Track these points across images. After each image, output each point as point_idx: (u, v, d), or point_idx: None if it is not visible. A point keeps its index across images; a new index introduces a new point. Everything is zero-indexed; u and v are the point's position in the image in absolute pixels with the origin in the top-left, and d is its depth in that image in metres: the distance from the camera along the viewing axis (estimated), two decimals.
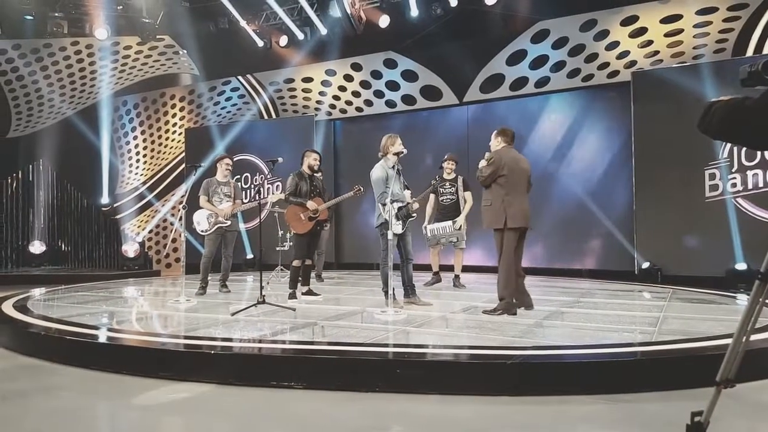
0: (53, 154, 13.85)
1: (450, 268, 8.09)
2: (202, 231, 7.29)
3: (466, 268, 8.88)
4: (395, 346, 4.37)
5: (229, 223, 7.34)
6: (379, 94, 11.21)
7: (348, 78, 11.29)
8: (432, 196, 7.73)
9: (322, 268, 8.96)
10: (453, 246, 7.73)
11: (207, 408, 3.51)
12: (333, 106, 11.80)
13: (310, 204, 6.46)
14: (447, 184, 7.72)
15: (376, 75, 11.02)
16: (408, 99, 11.00)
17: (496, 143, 5.58)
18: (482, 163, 5.48)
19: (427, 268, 8.23)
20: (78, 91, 13.02)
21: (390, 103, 11.21)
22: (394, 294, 5.66)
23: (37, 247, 13.48)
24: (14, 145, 13.79)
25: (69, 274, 11.84)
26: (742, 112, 2.05)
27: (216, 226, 7.26)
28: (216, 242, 7.33)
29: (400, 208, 5.70)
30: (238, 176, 11.79)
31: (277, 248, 8.76)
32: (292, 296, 6.44)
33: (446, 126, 11.00)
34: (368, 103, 11.43)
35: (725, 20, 8.34)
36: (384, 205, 5.58)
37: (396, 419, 3.30)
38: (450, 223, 7.55)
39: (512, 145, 5.57)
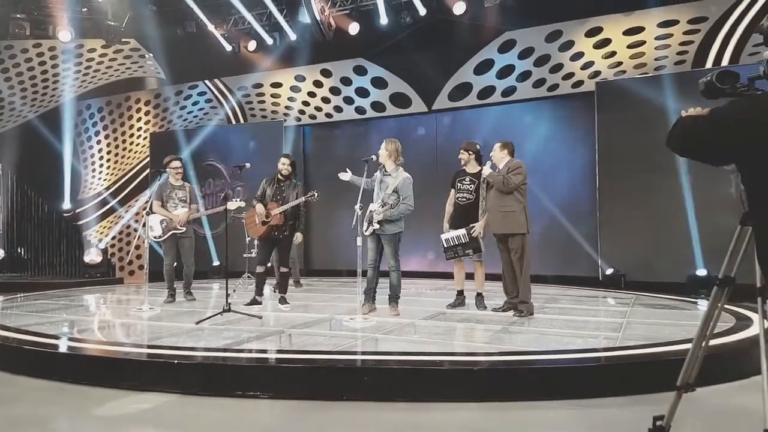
0: (13, 159, 13.46)
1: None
2: (155, 237, 7.06)
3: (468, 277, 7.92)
4: (363, 353, 4.36)
5: (183, 229, 7.08)
6: (348, 100, 11.20)
7: (317, 84, 11.26)
8: (452, 192, 6.41)
9: (298, 274, 8.86)
10: (470, 258, 6.27)
11: (170, 419, 3.45)
12: (302, 112, 11.74)
13: (258, 207, 6.41)
14: (466, 179, 6.27)
15: (346, 81, 11.01)
16: (377, 106, 11.02)
17: (502, 155, 5.94)
18: (486, 171, 5.88)
19: (416, 275, 7.93)
20: (40, 94, 12.70)
21: (360, 110, 11.22)
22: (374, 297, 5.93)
23: None
24: None
25: (28, 281, 11.52)
26: (694, 132, 2.13)
27: (170, 233, 7.02)
28: (173, 249, 7.13)
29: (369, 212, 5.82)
30: (204, 181, 11.65)
31: (244, 255, 8.66)
32: (253, 302, 6.43)
33: (415, 133, 11.04)
34: (338, 109, 11.41)
35: (685, 33, 8.57)
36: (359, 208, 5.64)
37: (364, 427, 3.28)
38: (463, 231, 6.08)
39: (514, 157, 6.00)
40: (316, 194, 6.50)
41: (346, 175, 6.28)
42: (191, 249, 7.28)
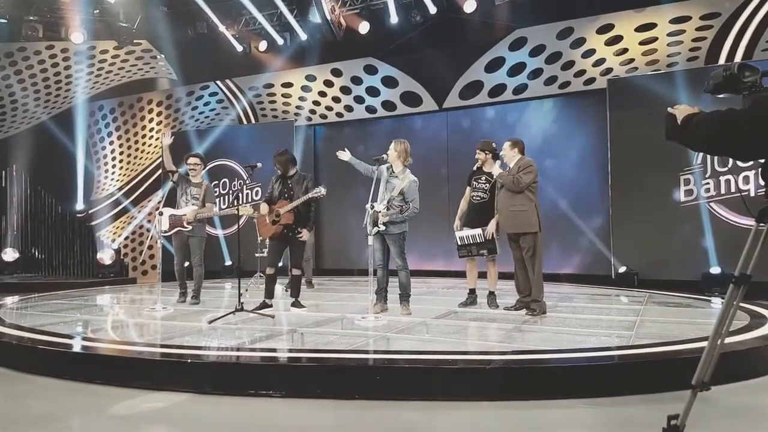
0: (26, 160, 13.58)
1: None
2: (163, 231, 6.87)
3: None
4: (375, 352, 4.35)
5: (190, 228, 6.87)
6: (359, 99, 11.21)
7: (328, 83, 11.28)
8: (468, 189, 6.35)
9: (311, 274, 8.85)
10: (484, 258, 6.23)
11: (183, 418, 3.46)
12: (313, 112, 11.77)
13: (262, 207, 6.28)
14: (482, 177, 6.20)
15: (357, 81, 11.02)
16: (388, 105, 11.01)
17: (512, 154, 5.88)
18: (496, 170, 5.86)
19: (428, 274, 7.90)
20: (53, 95, 12.81)
21: (370, 109, 11.22)
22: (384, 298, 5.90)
23: (9, 255, 13.20)
24: None
25: (43, 281, 11.62)
26: (728, 125, 2.09)
27: (175, 230, 6.88)
28: (181, 247, 6.99)
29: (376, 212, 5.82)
30: (216, 182, 11.70)
31: (256, 255, 8.67)
32: (262, 305, 6.13)
33: (426, 132, 11.03)
34: (348, 108, 11.42)
35: (698, 29, 8.49)
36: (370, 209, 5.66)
37: (376, 426, 3.28)
38: (480, 231, 6.05)
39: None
40: (323, 190, 6.42)
41: (345, 155, 6.25)
42: (198, 249, 7.02)
